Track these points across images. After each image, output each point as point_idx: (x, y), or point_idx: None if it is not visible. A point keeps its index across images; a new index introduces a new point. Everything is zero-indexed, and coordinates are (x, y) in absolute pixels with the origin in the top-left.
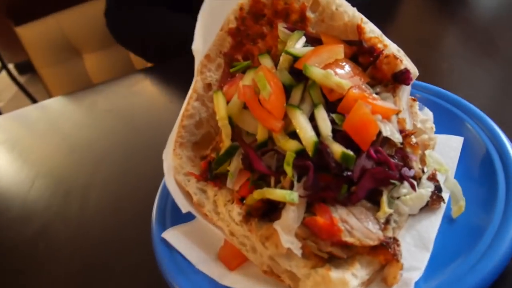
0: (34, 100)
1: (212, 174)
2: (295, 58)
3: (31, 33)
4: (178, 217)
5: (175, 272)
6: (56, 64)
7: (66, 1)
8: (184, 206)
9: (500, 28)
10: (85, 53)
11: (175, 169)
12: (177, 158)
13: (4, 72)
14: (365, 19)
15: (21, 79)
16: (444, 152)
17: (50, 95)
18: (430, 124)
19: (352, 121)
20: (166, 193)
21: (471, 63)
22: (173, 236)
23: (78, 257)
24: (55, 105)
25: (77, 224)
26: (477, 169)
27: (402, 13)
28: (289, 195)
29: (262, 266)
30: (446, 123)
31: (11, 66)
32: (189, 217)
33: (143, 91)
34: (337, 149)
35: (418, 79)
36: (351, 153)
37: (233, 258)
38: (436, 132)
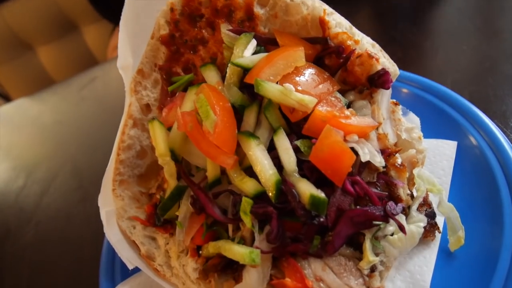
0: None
1: (160, 219)
2: (246, 70)
3: None
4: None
5: None
6: (8, 61)
7: None
8: (131, 260)
9: None
10: (37, 46)
11: (117, 213)
12: (119, 200)
13: None
14: (329, 9)
15: None
16: (436, 161)
17: (6, 94)
18: (418, 133)
19: (320, 152)
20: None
21: (456, 39)
22: None
23: None
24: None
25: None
26: (475, 182)
27: None
28: (249, 255)
29: None
30: (436, 123)
31: None
32: None
33: (93, 94)
34: (305, 190)
35: (396, 62)
36: (322, 195)
37: None
38: (425, 136)
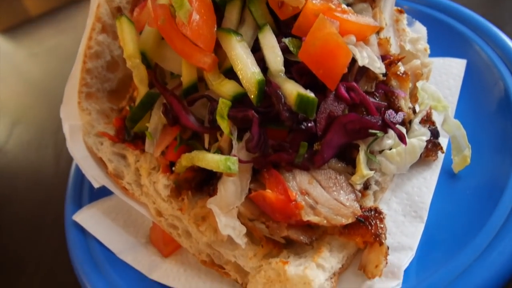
0: None
1: (129, 134)
2: None
3: None
4: (98, 193)
5: (88, 267)
6: None
7: None
8: (97, 179)
9: None
10: None
11: (83, 129)
12: (85, 114)
13: None
14: None
15: None
16: (442, 81)
17: None
18: (423, 45)
19: (312, 48)
20: None
21: None
22: (88, 217)
23: None
24: None
25: None
26: (486, 102)
27: None
28: (224, 163)
29: (200, 256)
30: (444, 41)
31: None
32: (110, 191)
33: (72, 26)
34: (292, 89)
35: None
36: (311, 95)
37: (166, 243)
38: (430, 55)
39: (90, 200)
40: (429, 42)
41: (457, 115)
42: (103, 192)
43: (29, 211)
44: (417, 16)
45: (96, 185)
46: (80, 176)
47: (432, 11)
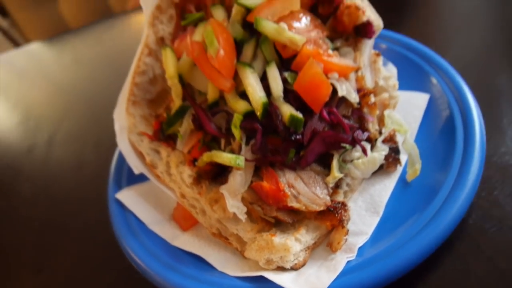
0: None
1: (164, 134)
2: (248, 10)
3: None
4: (134, 178)
5: (126, 233)
6: (30, 8)
7: None
8: (137, 167)
9: None
10: None
11: (128, 128)
12: (131, 118)
13: None
14: None
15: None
16: (408, 111)
17: (26, 41)
18: (393, 82)
19: (303, 81)
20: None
21: (460, 10)
22: (127, 196)
23: (36, 214)
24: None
25: (39, 179)
26: (439, 128)
27: None
28: (235, 160)
29: (211, 229)
30: (413, 77)
31: None
32: (145, 178)
33: (110, 39)
34: (286, 110)
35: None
36: (299, 115)
37: (185, 220)
38: (402, 88)
39: (128, 183)
40: (400, 77)
41: (418, 137)
42: (139, 179)
43: (74, 190)
44: (392, 55)
45: (136, 172)
46: (121, 164)
47: (405, 51)
